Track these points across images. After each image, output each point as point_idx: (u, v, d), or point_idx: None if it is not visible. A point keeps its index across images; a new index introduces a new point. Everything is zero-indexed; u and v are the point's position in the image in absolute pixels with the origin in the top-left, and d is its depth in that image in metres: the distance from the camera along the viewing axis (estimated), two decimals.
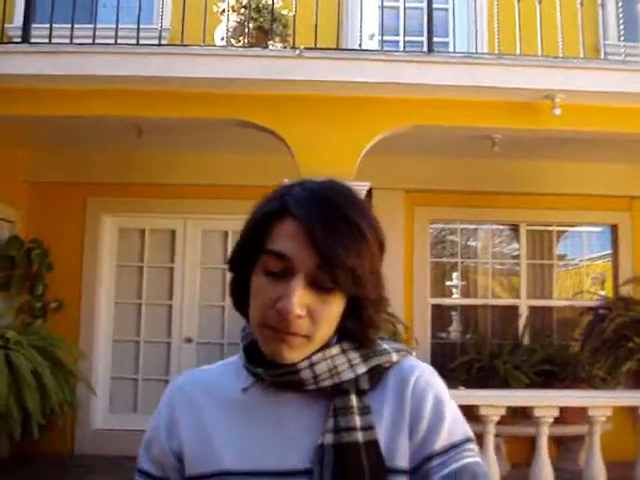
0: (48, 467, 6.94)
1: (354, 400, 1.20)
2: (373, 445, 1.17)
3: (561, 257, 8.99)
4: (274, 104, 5.82)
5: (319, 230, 1.14)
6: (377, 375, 1.24)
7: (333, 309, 1.18)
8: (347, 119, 5.82)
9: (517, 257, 8.72)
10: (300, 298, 1.14)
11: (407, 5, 6.20)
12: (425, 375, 1.26)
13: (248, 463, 1.20)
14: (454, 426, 1.23)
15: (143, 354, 8.30)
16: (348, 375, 1.21)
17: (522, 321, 8.36)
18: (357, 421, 1.18)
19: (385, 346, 1.27)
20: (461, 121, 6.01)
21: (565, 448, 7.15)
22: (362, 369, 1.22)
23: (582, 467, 6.06)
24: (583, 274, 8.90)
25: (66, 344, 6.98)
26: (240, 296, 1.26)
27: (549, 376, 7.35)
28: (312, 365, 1.20)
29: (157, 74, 5.68)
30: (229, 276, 1.29)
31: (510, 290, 8.80)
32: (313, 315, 1.16)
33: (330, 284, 1.15)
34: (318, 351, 1.21)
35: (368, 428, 1.18)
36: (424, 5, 6.13)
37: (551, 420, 5.74)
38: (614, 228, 8.58)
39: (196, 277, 8.38)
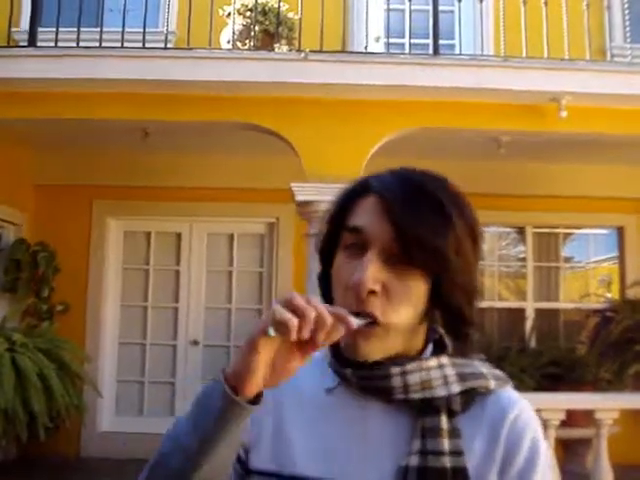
0: (54, 469, 6.95)
1: (444, 421, 1.13)
2: (461, 472, 1.10)
3: (567, 259, 8.96)
4: (280, 107, 5.83)
5: (397, 203, 1.10)
6: (471, 399, 1.16)
7: (412, 289, 1.10)
8: (353, 122, 5.82)
9: (523, 259, 8.71)
10: (374, 272, 1.07)
11: (413, 8, 6.19)
12: (524, 414, 1.19)
13: (327, 472, 1.13)
14: (544, 475, 1.17)
15: (149, 357, 8.30)
16: (441, 392, 1.14)
17: (528, 324, 8.34)
18: (446, 445, 1.11)
19: (483, 370, 1.21)
20: (467, 123, 6.01)
21: (572, 451, 7.12)
22: (456, 389, 1.15)
23: (589, 470, 6.05)
24: (590, 276, 8.88)
25: (72, 346, 7.00)
26: (327, 289, 1.19)
27: (556, 379, 7.33)
28: (405, 373, 1.13)
29: (163, 77, 5.70)
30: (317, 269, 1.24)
31: (516, 293, 8.78)
32: (389, 293, 1.09)
33: (405, 258, 1.08)
34: (413, 360, 1.15)
35: (457, 453, 1.11)
36: (430, 8, 6.13)
37: (558, 423, 5.72)
38: (620, 230, 8.56)
39: (202, 280, 8.38)
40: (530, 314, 8.43)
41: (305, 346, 0.99)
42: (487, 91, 5.77)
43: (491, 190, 8.03)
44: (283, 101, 5.81)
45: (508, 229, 8.91)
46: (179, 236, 8.48)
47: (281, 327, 0.95)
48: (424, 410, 1.14)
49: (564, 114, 5.70)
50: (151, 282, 8.45)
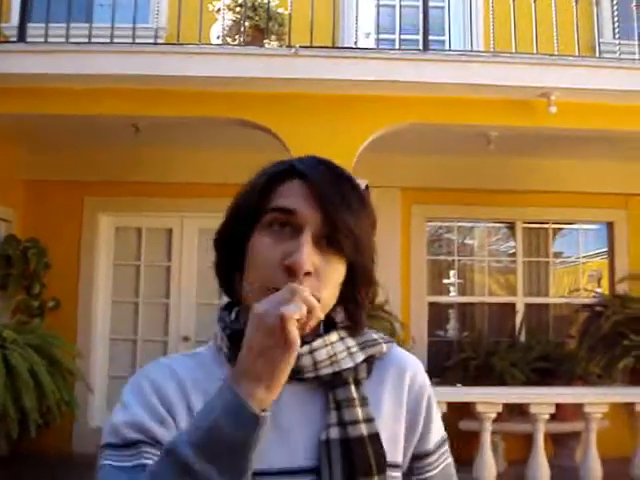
0: (46, 466, 6.95)
1: (354, 391, 1.17)
2: (375, 438, 1.14)
3: (557, 255, 9.00)
4: (270, 102, 5.83)
5: (327, 189, 1.13)
6: (371, 366, 1.22)
7: (336, 273, 1.14)
8: (343, 117, 5.84)
9: (513, 255, 8.74)
10: (309, 254, 1.10)
11: (403, 3, 6.20)
12: (420, 371, 1.27)
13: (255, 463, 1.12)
14: (439, 425, 1.28)
15: (140, 352, 8.30)
16: (348, 363, 1.17)
17: (518, 318, 8.37)
18: (359, 413, 1.15)
19: (375, 336, 1.25)
20: (457, 119, 6.03)
21: (562, 445, 7.17)
22: (360, 357, 1.19)
23: (578, 463, 6.09)
24: (579, 271, 8.92)
25: (63, 343, 6.98)
26: (227, 272, 1.21)
27: (545, 373, 7.37)
28: (312, 351, 1.15)
29: (153, 73, 5.69)
30: (214, 254, 1.24)
31: (506, 288, 8.82)
32: (319, 275, 1.11)
33: (332, 242, 1.12)
34: (318, 337, 1.16)
35: (369, 420, 1.15)
36: (420, 3, 6.14)
37: (547, 417, 5.76)
38: (610, 226, 8.60)
39: (193, 275, 8.37)
40: (520, 309, 8.46)
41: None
42: (477, 87, 5.79)
43: (481, 185, 8.06)
44: (273, 96, 5.81)
45: (498, 224, 8.94)
46: (170, 232, 8.48)
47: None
48: (334, 383, 1.16)
49: (553, 109, 5.72)
50: (142, 278, 8.45)
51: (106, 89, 5.78)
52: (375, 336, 1.25)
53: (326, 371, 1.16)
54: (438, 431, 1.27)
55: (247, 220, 1.16)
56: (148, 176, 7.94)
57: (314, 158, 1.21)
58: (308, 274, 1.09)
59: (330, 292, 1.14)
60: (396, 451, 1.20)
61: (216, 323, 1.24)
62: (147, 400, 1.12)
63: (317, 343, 1.16)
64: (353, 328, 1.22)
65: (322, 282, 1.11)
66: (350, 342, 1.20)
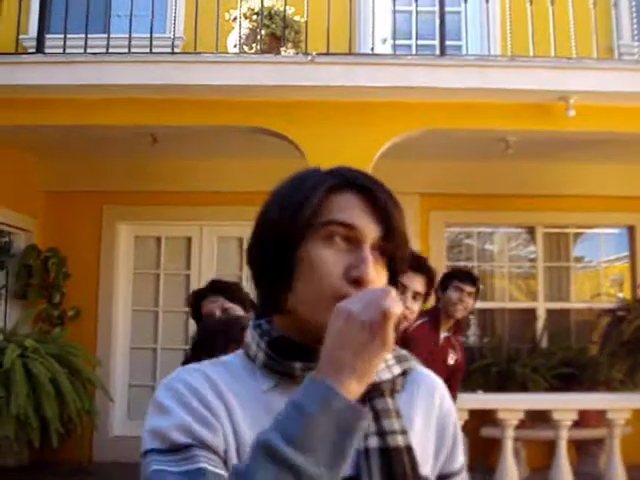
0: (67, 475, 6.97)
1: (390, 403, 1.18)
2: (410, 450, 1.15)
3: (578, 259, 8.93)
4: (287, 110, 5.84)
5: (383, 200, 1.16)
6: (405, 380, 1.23)
7: (383, 281, 1.16)
8: (360, 124, 5.83)
9: (534, 260, 8.69)
10: (374, 270, 1.13)
11: (419, 9, 6.19)
12: (447, 392, 1.31)
13: None
14: (462, 449, 1.31)
15: (160, 361, 8.32)
16: (386, 375, 1.19)
17: (540, 324, 8.31)
18: (396, 424, 1.16)
19: (403, 352, 1.26)
20: (475, 124, 6.00)
21: (585, 451, 7.10)
22: (397, 370, 1.21)
23: (602, 470, 6.03)
24: (601, 276, 8.85)
25: (83, 352, 7.02)
26: (267, 283, 1.19)
27: (567, 379, 7.31)
28: None
29: (170, 82, 5.72)
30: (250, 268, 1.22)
31: (527, 293, 8.76)
32: (374, 286, 1.13)
33: (386, 254, 1.16)
34: None
35: (404, 432, 1.16)
36: (436, 9, 6.13)
37: (570, 423, 5.71)
38: (631, 229, 8.52)
39: None
40: (541, 314, 8.40)
41: None
42: (494, 91, 5.76)
43: (500, 191, 8.01)
44: (290, 104, 5.82)
45: (518, 230, 8.89)
46: (189, 240, 8.50)
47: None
48: (371, 394, 1.15)
49: (572, 113, 5.68)
50: (162, 286, 8.47)
51: (124, 99, 5.81)
52: (404, 352, 1.27)
53: None
54: (462, 455, 1.30)
55: (296, 233, 1.15)
56: (167, 185, 7.97)
57: (351, 168, 1.22)
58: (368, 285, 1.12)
59: None
60: (426, 465, 1.21)
61: (248, 332, 1.23)
62: (188, 404, 1.10)
63: None
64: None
65: None
66: (387, 355, 1.20)
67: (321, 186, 1.17)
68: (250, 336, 1.22)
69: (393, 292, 1.01)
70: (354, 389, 0.98)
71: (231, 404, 1.12)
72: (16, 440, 6.13)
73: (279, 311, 1.19)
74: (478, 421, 6.19)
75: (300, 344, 1.16)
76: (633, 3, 6.58)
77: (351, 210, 1.15)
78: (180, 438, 1.07)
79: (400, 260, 1.19)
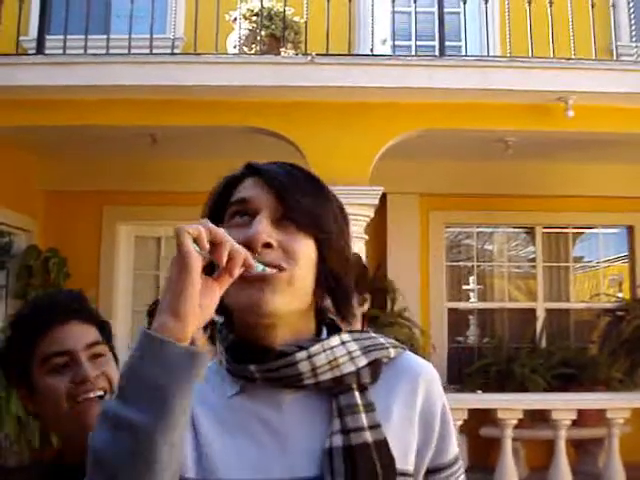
0: (67, 475, 6.97)
1: (358, 397, 1.14)
2: (382, 444, 1.12)
3: (577, 259, 8.94)
4: (287, 111, 5.85)
5: (279, 175, 1.19)
6: (378, 370, 1.19)
7: (304, 246, 1.15)
8: (360, 124, 5.84)
9: (533, 260, 8.70)
10: (266, 229, 1.12)
11: (418, 10, 6.20)
12: (435, 381, 1.24)
13: (254, 473, 1.11)
14: (455, 440, 1.25)
15: None
16: (349, 368, 1.15)
17: (539, 324, 8.32)
18: (364, 420, 1.13)
19: (382, 340, 1.23)
20: (474, 124, 6.01)
21: (584, 451, 7.11)
22: (363, 361, 1.17)
23: (601, 469, 6.04)
24: (600, 276, 8.86)
25: None
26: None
27: (567, 379, 7.32)
28: (310, 356, 1.13)
29: (170, 83, 5.73)
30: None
31: (527, 293, 8.77)
32: (285, 248, 1.13)
33: (291, 220, 1.15)
34: (316, 342, 1.15)
35: (375, 426, 1.13)
36: (435, 9, 6.15)
37: (569, 423, 5.72)
38: (630, 229, 8.53)
39: None
40: (540, 314, 8.41)
41: (223, 275, 1.04)
42: (494, 92, 5.77)
43: (499, 191, 8.03)
44: (290, 104, 5.83)
45: (517, 230, 8.90)
46: None
47: (215, 249, 1.01)
48: (336, 389, 1.15)
49: (571, 113, 5.70)
50: (162, 287, 8.47)
51: (124, 100, 5.82)
52: (382, 340, 1.23)
53: (326, 377, 1.14)
54: (454, 446, 1.24)
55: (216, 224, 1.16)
56: (167, 185, 7.97)
57: (270, 162, 1.26)
58: (268, 246, 1.12)
59: (303, 267, 1.14)
60: (407, 459, 1.16)
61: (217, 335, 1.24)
62: None
63: (315, 348, 1.14)
64: (340, 319, 1.23)
65: (290, 254, 1.13)
66: (353, 346, 1.18)
67: (224, 180, 1.26)
68: (217, 340, 1.23)
69: (205, 223, 1.03)
70: (170, 324, 0.98)
71: (198, 413, 1.13)
72: (16, 440, 6.13)
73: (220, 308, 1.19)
74: (477, 421, 6.20)
75: (252, 345, 1.15)
76: (631, 4, 6.59)
77: (246, 189, 1.20)
78: None
79: (312, 226, 1.16)
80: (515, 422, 5.72)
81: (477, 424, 6.39)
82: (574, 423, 5.82)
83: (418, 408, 1.20)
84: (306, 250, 1.15)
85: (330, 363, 1.14)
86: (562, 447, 5.72)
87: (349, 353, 1.17)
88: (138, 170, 7.92)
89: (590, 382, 7.24)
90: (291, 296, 1.13)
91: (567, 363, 7.52)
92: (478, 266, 8.78)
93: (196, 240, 1.01)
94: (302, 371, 1.13)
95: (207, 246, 1.01)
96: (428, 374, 1.24)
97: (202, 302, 1.01)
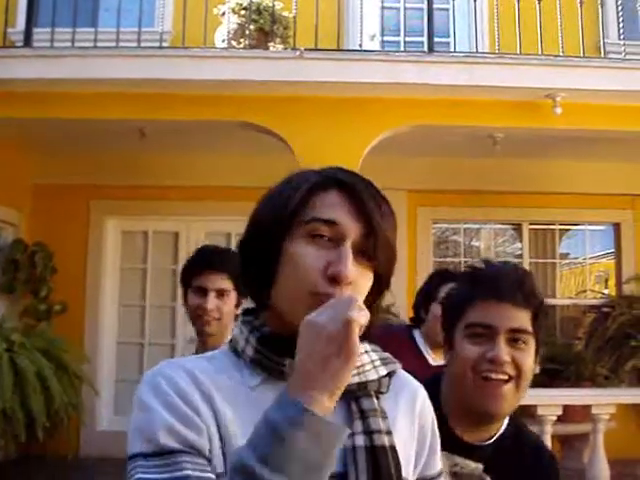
0: (53, 469, 6.96)
1: (376, 403, 1.19)
2: (394, 450, 1.16)
3: (564, 256, 8.98)
4: (275, 105, 5.84)
5: (367, 200, 1.16)
6: (390, 381, 1.24)
7: (368, 282, 1.17)
8: (348, 119, 5.84)
9: (520, 256, 8.72)
10: (352, 266, 1.12)
11: (407, 5, 6.22)
12: (427, 398, 1.32)
13: None
14: (440, 456, 1.33)
15: (147, 356, 8.31)
16: (373, 375, 1.20)
17: None
18: (381, 424, 1.17)
19: (386, 354, 1.27)
20: (462, 121, 6.02)
21: (569, 446, 7.14)
22: (383, 372, 1.22)
23: (586, 465, 6.07)
24: (586, 273, 8.90)
25: (70, 346, 6.99)
26: (256, 280, 1.20)
27: (552, 375, 7.34)
28: None
29: (159, 77, 5.71)
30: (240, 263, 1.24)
31: None
32: (355, 285, 1.13)
33: (369, 254, 1.14)
34: None
35: (389, 432, 1.17)
36: (424, 5, 6.15)
37: (554, 419, 5.74)
38: (617, 226, 8.58)
39: None
40: None
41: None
42: (482, 88, 5.79)
43: (487, 187, 8.05)
44: (278, 99, 5.82)
45: (504, 226, 8.93)
46: (177, 235, 8.48)
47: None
48: (357, 394, 1.18)
49: (559, 110, 5.72)
50: (149, 281, 8.46)
51: (112, 93, 5.79)
52: (387, 354, 1.28)
53: (354, 380, 1.16)
54: (439, 461, 1.31)
55: (281, 229, 1.17)
56: (154, 180, 7.95)
57: (342, 169, 1.23)
58: (349, 284, 1.12)
59: (361, 296, 1.14)
60: (408, 469, 1.22)
61: (237, 327, 1.24)
62: (172, 403, 1.10)
63: None
64: (367, 334, 1.21)
65: (358, 292, 1.13)
66: (374, 356, 1.23)
67: (305, 184, 1.19)
68: (238, 331, 1.22)
69: (358, 300, 1.01)
70: (326, 404, 0.98)
71: (216, 403, 1.12)
72: (2, 435, 6.11)
73: (263, 306, 1.21)
74: None
75: (290, 340, 1.13)
76: (619, 2, 6.61)
77: (334, 207, 1.16)
78: (165, 441, 1.07)
79: (385, 263, 1.17)
80: None
81: None
82: (559, 419, 5.83)
83: (416, 421, 1.27)
84: (368, 285, 1.17)
85: (358, 368, 1.17)
86: (547, 442, 5.74)
87: (372, 362, 1.22)
88: (126, 164, 7.89)
89: (576, 378, 7.27)
90: None
91: (553, 359, 7.54)
92: (465, 262, 8.79)
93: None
94: None
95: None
96: (422, 392, 1.31)
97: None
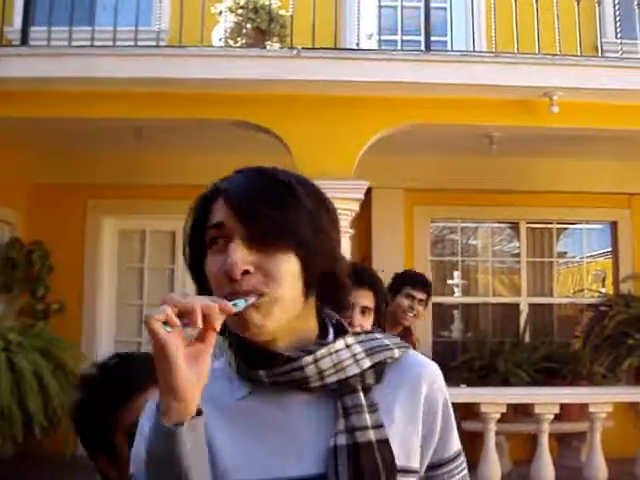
0: (51, 468, 6.95)
1: (362, 398, 1.18)
2: (385, 444, 1.15)
3: (561, 255, 8.99)
4: (272, 104, 5.84)
5: (240, 193, 1.18)
6: (381, 371, 1.22)
7: (284, 265, 1.15)
8: (345, 118, 5.84)
9: (517, 255, 8.73)
10: (242, 255, 1.13)
11: (405, 4, 6.21)
12: (438, 379, 1.28)
13: (260, 473, 1.14)
14: (456, 435, 1.29)
15: None
16: (353, 370, 1.19)
17: (523, 319, 8.36)
18: (368, 419, 1.16)
19: (386, 341, 1.26)
20: (459, 119, 6.02)
21: (567, 445, 7.16)
22: (367, 364, 1.20)
23: (584, 463, 6.08)
24: (583, 271, 8.90)
25: (68, 346, 6.99)
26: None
27: (550, 373, 7.36)
28: (317, 360, 1.17)
29: (156, 75, 5.70)
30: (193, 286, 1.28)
31: (511, 288, 8.81)
32: (264, 271, 1.14)
33: (264, 238, 1.15)
34: (322, 346, 1.19)
35: (378, 426, 1.17)
36: (421, 4, 6.15)
37: (551, 417, 5.75)
38: (614, 225, 8.58)
39: None
40: (524, 309, 8.45)
41: (205, 334, 1.06)
42: (479, 87, 5.79)
43: (484, 186, 8.05)
44: (275, 98, 5.82)
45: (502, 225, 8.93)
46: (174, 234, 8.48)
47: (187, 317, 1.03)
48: (342, 391, 1.18)
49: (556, 109, 5.72)
50: (146, 281, 8.46)
51: (109, 92, 5.78)
52: (387, 342, 1.27)
53: (332, 379, 1.18)
54: (455, 440, 1.29)
55: (199, 246, 1.22)
56: (151, 179, 7.94)
57: (240, 171, 1.27)
58: (247, 273, 1.13)
59: (286, 284, 1.15)
60: (410, 456, 1.20)
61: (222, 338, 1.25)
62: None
63: (321, 352, 1.18)
64: (337, 310, 1.26)
65: (270, 276, 1.14)
66: (357, 349, 1.22)
67: (199, 200, 1.25)
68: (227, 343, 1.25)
69: (169, 299, 1.05)
70: (174, 407, 1.03)
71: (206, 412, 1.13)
72: (0, 433, 6.11)
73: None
74: (461, 415, 6.23)
75: (259, 350, 1.18)
76: (617, 1, 6.61)
77: (219, 211, 1.19)
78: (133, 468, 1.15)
79: (301, 243, 1.16)
80: (498, 416, 5.75)
81: (460, 418, 6.41)
82: (557, 417, 5.85)
83: (421, 405, 1.24)
84: (286, 267, 1.16)
85: (335, 366, 1.18)
86: (545, 441, 5.75)
87: (354, 356, 1.21)
88: (123, 163, 7.88)
89: (573, 377, 7.28)
90: (279, 313, 1.15)
91: (550, 358, 7.56)
92: (462, 261, 8.81)
93: (166, 322, 1.02)
94: (308, 375, 1.17)
95: (177, 322, 1.02)
96: (429, 371, 1.28)
97: (195, 370, 1.05)
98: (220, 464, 1.14)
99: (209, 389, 1.14)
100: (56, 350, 6.72)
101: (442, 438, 1.25)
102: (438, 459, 1.25)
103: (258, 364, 1.17)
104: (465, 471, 1.29)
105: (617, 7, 6.54)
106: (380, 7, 6.22)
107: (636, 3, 6.24)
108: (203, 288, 1.22)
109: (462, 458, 1.29)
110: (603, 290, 8.71)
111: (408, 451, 1.20)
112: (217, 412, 1.17)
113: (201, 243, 1.21)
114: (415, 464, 1.21)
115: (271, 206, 1.16)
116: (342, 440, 1.14)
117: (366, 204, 6.59)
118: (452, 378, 7.35)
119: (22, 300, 7.75)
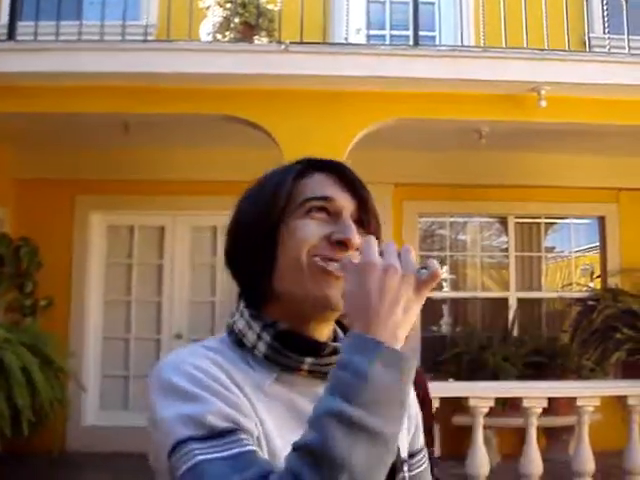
0: (39, 464, 6.94)
1: None
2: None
3: (549, 249, 9.03)
4: (260, 99, 5.83)
5: (354, 179, 1.22)
6: None
7: None
8: (334, 113, 5.83)
9: (506, 250, 8.76)
10: (356, 232, 1.17)
11: None
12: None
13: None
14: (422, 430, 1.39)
15: (133, 351, 8.29)
16: None
17: (511, 313, 8.39)
18: None
19: None
20: (448, 114, 6.03)
21: (555, 438, 7.19)
22: None
23: (571, 457, 6.10)
24: (571, 266, 8.94)
25: (56, 341, 6.96)
26: (252, 271, 1.20)
27: (538, 367, 7.39)
28: (337, 351, 1.15)
29: (143, 70, 5.68)
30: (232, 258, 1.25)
31: (499, 283, 8.83)
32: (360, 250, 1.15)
33: (362, 225, 1.20)
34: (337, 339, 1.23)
35: None
36: None
37: (540, 411, 5.77)
38: (601, 220, 8.62)
39: (185, 273, 8.37)
40: (513, 304, 8.48)
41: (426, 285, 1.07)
42: (467, 82, 5.79)
43: (473, 181, 8.07)
44: (264, 93, 5.81)
45: (490, 220, 8.96)
46: (162, 230, 8.46)
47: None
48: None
49: (544, 104, 5.73)
50: (134, 276, 8.43)
51: (96, 87, 5.76)
52: None
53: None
54: (422, 435, 1.38)
55: (273, 218, 1.18)
56: (140, 174, 7.92)
57: (313, 158, 1.27)
58: (356, 250, 1.13)
59: None
60: (404, 447, 1.26)
61: (242, 320, 1.21)
62: (214, 389, 1.07)
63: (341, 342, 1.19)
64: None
65: None
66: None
67: (289, 174, 1.22)
68: (245, 325, 1.19)
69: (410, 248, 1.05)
70: (402, 342, 1.02)
71: (247, 392, 1.11)
72: None
73: (265, 297, 1.20)
74: (449, 409, 6.24)
75: (303, 338, 1.17)
76: None
77: (324, 186, 1.20)
78: (220, 423, 1.02)
79: (375, 231, 1.21)
80: (487, 410, 5.76)
81: (449, 412, 6.43)
82: (545, 411, 5.87)
83: (411, 399, 1.26)
84: None
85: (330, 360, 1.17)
86: (533, 435, 5.77)
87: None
88: (111, 159, 7.86)
89: (561, 371, 7.32)
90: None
91: (539, 352, 7.59)
92: (451, 256, 8.83)
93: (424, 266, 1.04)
94: (331, 362, 1.15)
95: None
96: None
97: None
98: (270, 445, 1.09)
99: (240, 371, 1.13)
100: (44, 346, 6.69)
101: (417, 428, 1.34)
102: (414, 448, 1.33)
103: (302, 351, 1.16)
104: (427, 464, 1.36)
105: (605, 2, 6.55)
106: (369, 2, 6.23)
107: None
108: (252, 262, 1.19)
109: (425, 451, 1.37)
110: (591, 284, 8.75)
111: (404, 442, 1.27)
112: (257, 394, 1.12)
113: (272, 215, 1.19)
114: (404, 454, 1.26)
115: (372, 199, 1.23)
116: None
117: None
118: (440, 372, 7.38)
119: (10, 296, 7.72)
